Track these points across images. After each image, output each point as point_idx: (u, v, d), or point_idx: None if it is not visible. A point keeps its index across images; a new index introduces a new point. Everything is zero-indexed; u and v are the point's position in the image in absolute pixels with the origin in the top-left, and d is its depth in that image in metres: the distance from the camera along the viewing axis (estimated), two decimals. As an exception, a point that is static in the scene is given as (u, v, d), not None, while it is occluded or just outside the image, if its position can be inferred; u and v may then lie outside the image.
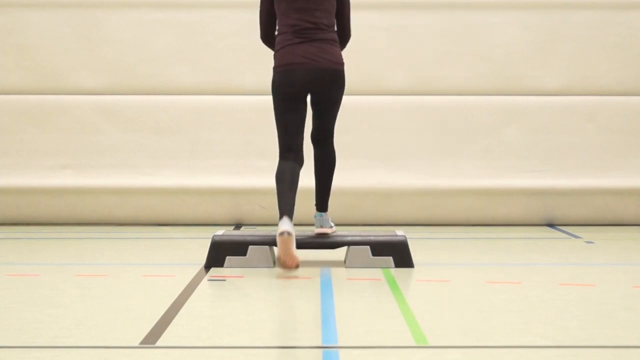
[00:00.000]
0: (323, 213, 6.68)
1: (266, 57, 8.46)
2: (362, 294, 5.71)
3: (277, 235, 6.12)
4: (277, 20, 6.46)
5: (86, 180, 9.41)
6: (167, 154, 9.47)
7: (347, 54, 9.29)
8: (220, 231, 6.83)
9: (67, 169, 9.44)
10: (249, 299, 5.60)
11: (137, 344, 4.32)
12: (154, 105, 9.51)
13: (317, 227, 6.65)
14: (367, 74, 9.46)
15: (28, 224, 9.43)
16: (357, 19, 9.47)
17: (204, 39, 9.47)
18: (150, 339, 4.40)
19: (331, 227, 6.66)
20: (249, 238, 6.60)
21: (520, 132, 9.47)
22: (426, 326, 4.66)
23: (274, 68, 6.44)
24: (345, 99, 9.22)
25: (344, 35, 6.58)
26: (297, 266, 6.14)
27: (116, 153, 9.44)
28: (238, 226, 9.33)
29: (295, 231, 6.29)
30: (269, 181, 9.11)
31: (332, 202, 9.30)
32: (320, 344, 4.34)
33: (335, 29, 6.50)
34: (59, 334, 4.51)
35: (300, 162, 6.49)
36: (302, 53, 6.33)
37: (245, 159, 9.45)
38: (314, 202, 6.77)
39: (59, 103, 9.46)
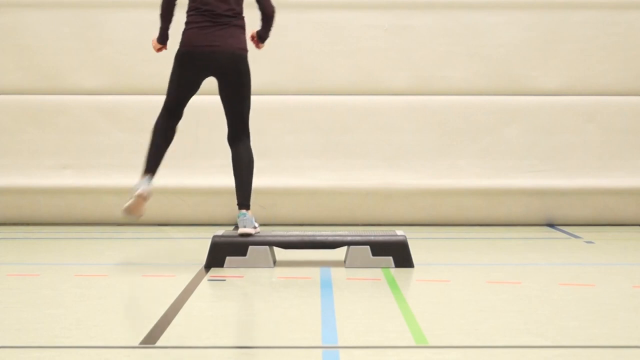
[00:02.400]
0: (246, 212, 6.58)
1: (266, 57, 8.48)
2: (362, 294, 5.71)
3: (136, 194, 6.41)
4: (190, 3, 6.60)
5: (86, 180, 9.40)
6: (167, 153, 9.44)
7: (346, 53, 9.37)
8: (220, 231, 6.83)
9: (67, 169, 9.43)
10: (249, 299, 5.60)
11: (137, 344, 4.32)
12: (154, 105, 9.46)
13: (240, 227, 6.58)
14: (367, 74, 9.46)
15: (28, 224, 9.43)
16: (358, 19, 9.50)
17: (204, 39, 9.45)
18: (150, 339, 4.40)
19: (255, 227, 6.59)
20: (249, 238, 6.59)
21: (520, 132, 9.46)
22: (426, 326, 4.66)
23: (180, 45, 6.60)
24: (345, 98, 9.32)
25: (268, 12, 6.62)
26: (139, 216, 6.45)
27: (116, 153, 9.43)
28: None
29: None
30: (269, 181, 9.15)
31: (332, 202, 9.34)
32: (320, 344, 4.34)
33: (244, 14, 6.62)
34: (59, 334, 4.51)
35: (180, 118, 6.87)
36: (212, 37, 6.51)
37: (245, 159, 9.42)
38: (236, 202, 6.68)
39: (59, 103, 9.46)
